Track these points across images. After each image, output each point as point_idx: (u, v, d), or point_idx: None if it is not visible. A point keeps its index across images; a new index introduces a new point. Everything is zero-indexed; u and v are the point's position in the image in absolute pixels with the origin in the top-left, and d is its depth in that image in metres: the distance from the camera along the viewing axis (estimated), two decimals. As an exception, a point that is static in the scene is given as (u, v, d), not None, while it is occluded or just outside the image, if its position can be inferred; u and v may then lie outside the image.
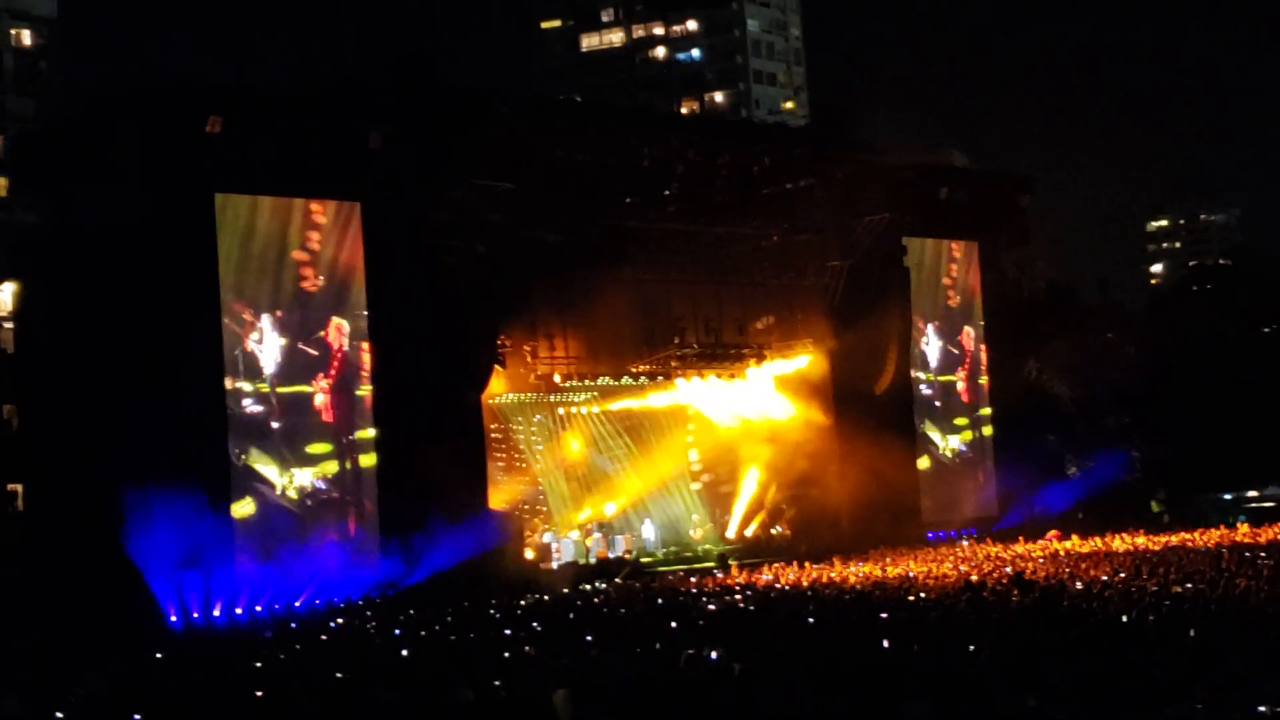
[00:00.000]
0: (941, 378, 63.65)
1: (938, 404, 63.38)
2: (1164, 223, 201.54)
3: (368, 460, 47.37)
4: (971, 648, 24.80)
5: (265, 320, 45.40)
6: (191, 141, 42.50)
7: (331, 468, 46.86)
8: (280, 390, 45.72)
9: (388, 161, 46.02)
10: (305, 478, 46.23)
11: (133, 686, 26.51)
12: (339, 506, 46.97)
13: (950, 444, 63.76)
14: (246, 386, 45.12)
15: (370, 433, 47.33)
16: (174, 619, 40.60)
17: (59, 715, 23.65)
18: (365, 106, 46.54)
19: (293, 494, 45.88)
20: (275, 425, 45.69)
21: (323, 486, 46.61)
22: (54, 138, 44.50)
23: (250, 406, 45.21)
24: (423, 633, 34.59)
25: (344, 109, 46.15)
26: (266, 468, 45.32)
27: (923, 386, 62.70)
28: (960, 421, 64.15)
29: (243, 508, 44.28)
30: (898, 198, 58.71)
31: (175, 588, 40.67)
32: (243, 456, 44.86)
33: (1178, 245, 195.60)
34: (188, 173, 42.62)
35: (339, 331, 47.06)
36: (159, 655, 32.28)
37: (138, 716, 23.00)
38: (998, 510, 63.15)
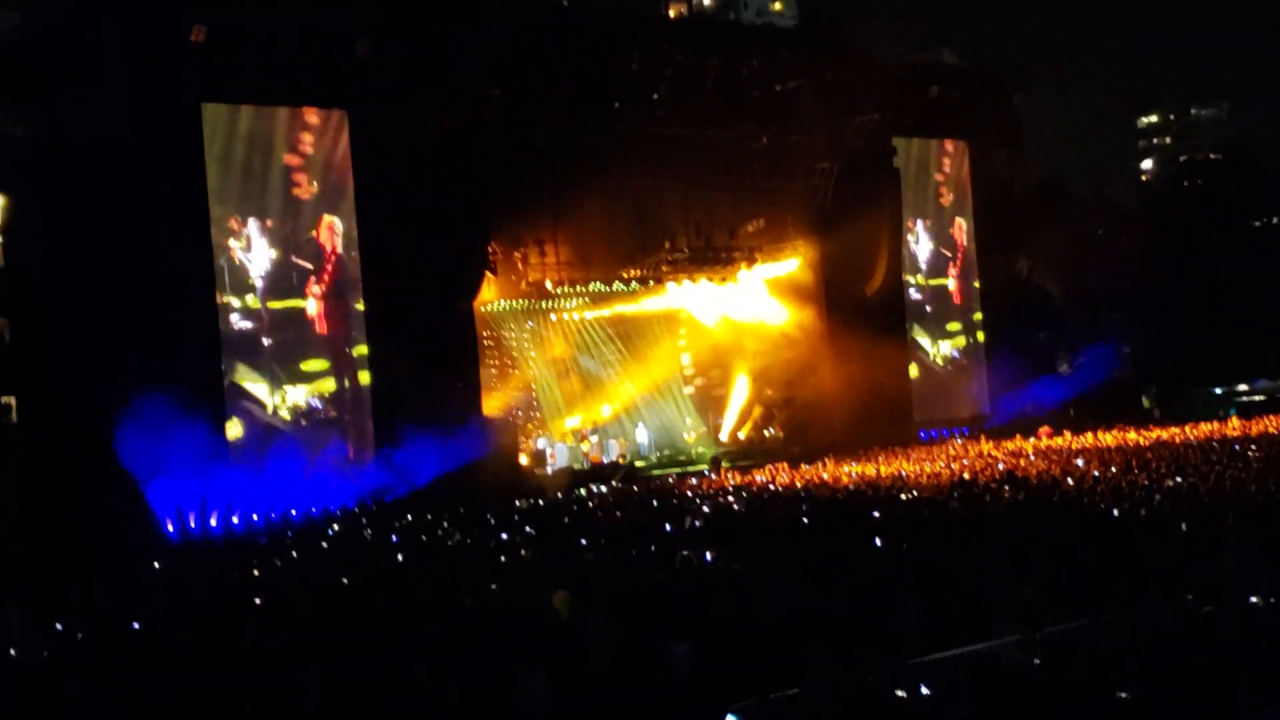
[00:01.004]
0: (933, 281, 63.63)
1: (929, 309, 63.38)
2: (1154, 119, 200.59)
3: (368, 378, 47.01)
4: (964, 544, 25.00)
5: (253, 227, 45.05)
6: (177, 51, 42.23)
7: (329, 385, 46.56)
8: (271, 305, 45.34)
9: (375, 68, 45.74)
10: (299, 396, 45.87)
11: (132, 597, 26.70)
12: (337, 426, 46.54)
13: (942, 350, 63.81)
14: (234, 302, 44.70)
15: (367, 348, 47.08)
16: (170, 529, 40.78)
17: (59, 627, 23.83)
18: (352, 13, 46.15)
19: (285, 414, 45.51)
20: (266, 342, 45.26)
21: (319, 405, 46.25)
22: (39, 50, 44.16)
23: (238, 323, 44.81)
24: (421, 538, 34.81)
25: (330, 15, 45.75)
26: (255, 385, 44.94)
27: (913, 291, 62.67)
28: (953, 326, 64.18)
29: (231, 429, 44.00)
30: (887, 98, 58.44)
31: (171, 498, 40.81)
32: (230, 375, 44.45)
33: (1168, 141, 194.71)
34: (174, 83, 42.30)
35: (331, 231, 46.62)
36: (157, 565, 32.50)
37: (136, 625, 23.19)
38: (989, 408, 63.35)
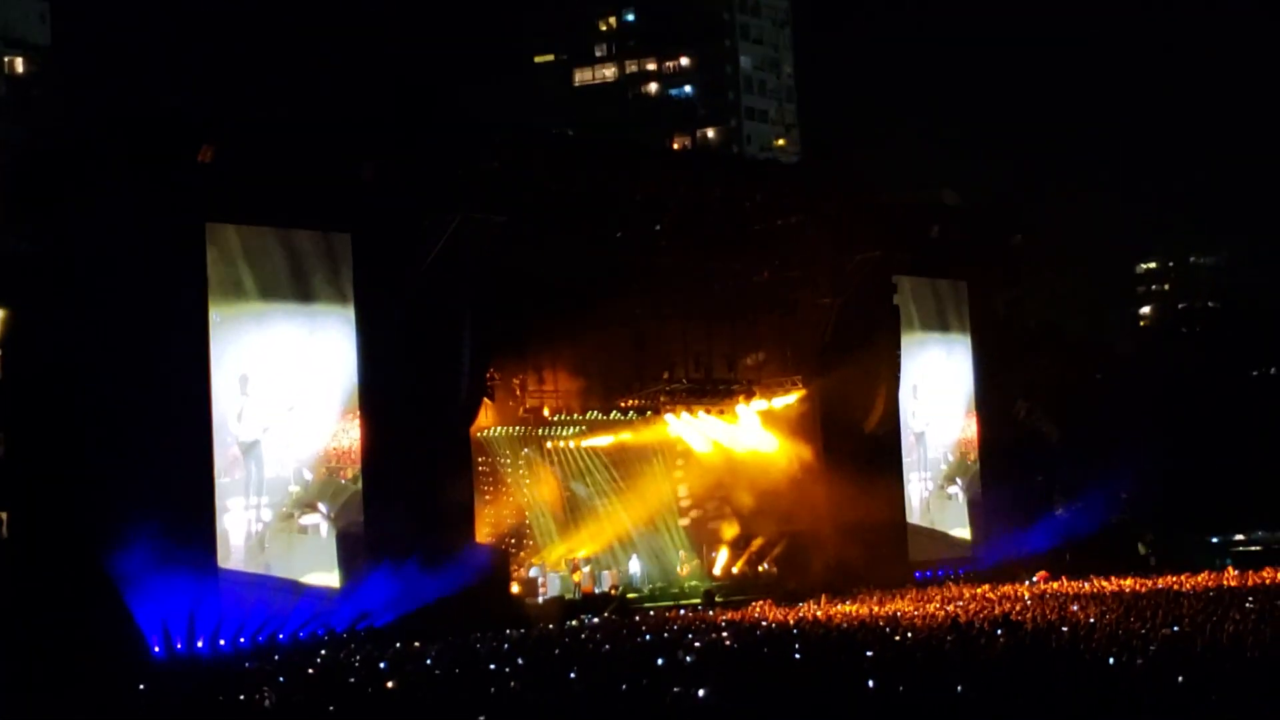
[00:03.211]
0: (931, 419, 63.50)
1: (927, 444, 63.23)
2: (1153, 265, 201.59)
3: (362, 503, 46.09)
4: (959, 688, 24.74)
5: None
6: (184, 170, 42.37)
7: (320, 515, 45.73)
8: (265, 429, 44.57)
9: (380, 193, 45.95)
10: (292, 523, 45.01)
11: (117, 717, 26.40)
12: (329, 551, 45.71)
13: (938, 485, 63.60)
14: (229, 424, 43.90)
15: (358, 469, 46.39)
16: (157, 650, 40.40)
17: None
18: (359, 137, 46.43)
19: (276, 540, 44.53)
20: (257, 468, 44.33)
21: (312, 532, 45.39)
22: (46, 165, 44.37)
23: (230, 446, 43.89)
24: (408, 667, 34.46)
25: (337, 138, 46.01)
26: (244, 513, 43.97)
27: (911, 429, 62.53)
28: (949, 463, 64.02)
29: (221, 553, 43.09)
30: (889, 236, 58.79)
31: (159, 618, 40.46)
32: (221, 499, 43.37)
33: (1166, 287, 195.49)
34: (180, 201, 42.43)
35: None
36: (142, 686, 32.13)
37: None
38: (985, 550, 62.99)
